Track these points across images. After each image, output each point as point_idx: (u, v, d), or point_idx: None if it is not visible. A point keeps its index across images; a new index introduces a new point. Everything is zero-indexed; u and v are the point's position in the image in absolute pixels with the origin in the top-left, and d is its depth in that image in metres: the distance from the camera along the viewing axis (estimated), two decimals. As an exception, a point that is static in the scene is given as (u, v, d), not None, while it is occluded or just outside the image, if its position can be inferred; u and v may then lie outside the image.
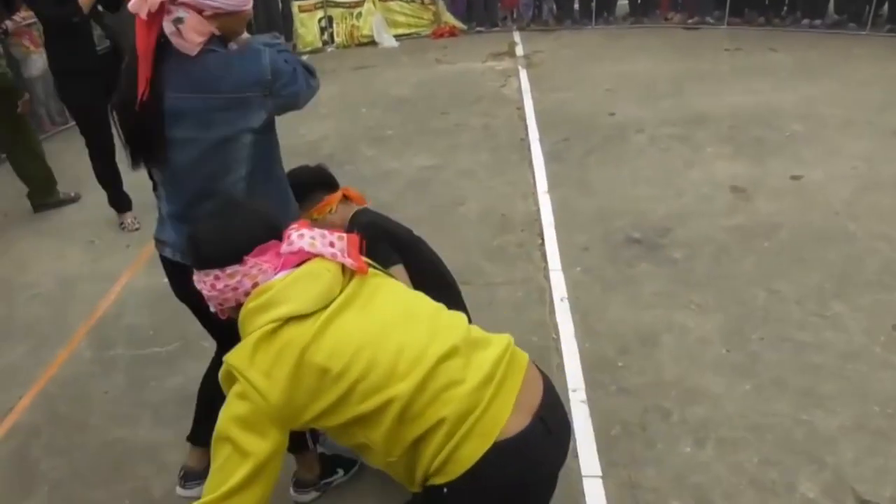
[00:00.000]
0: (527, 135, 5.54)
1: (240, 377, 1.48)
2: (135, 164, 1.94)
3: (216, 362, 2.21)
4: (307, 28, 8.50)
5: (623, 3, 8.91)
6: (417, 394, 1.48)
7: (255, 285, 1.55)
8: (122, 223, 4.60)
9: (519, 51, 7.89)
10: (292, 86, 1.90)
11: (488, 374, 1.54)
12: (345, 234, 1.63)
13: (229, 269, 1.55)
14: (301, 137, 5.77)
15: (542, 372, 1.70)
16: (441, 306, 1.70)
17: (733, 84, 6.32)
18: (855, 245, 3.78)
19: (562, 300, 3.49)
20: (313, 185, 2.35)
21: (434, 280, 2.31)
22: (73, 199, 5.11)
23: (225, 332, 1.79)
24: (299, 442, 2.28)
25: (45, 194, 5.02)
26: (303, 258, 1.58)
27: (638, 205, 4.37)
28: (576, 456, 2.50)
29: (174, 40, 1.77)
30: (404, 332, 1.54)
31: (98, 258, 4.27)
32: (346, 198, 2.41)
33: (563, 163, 5.03)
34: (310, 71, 2.01)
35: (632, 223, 4.16)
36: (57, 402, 3.09)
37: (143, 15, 1.75)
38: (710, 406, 2.74)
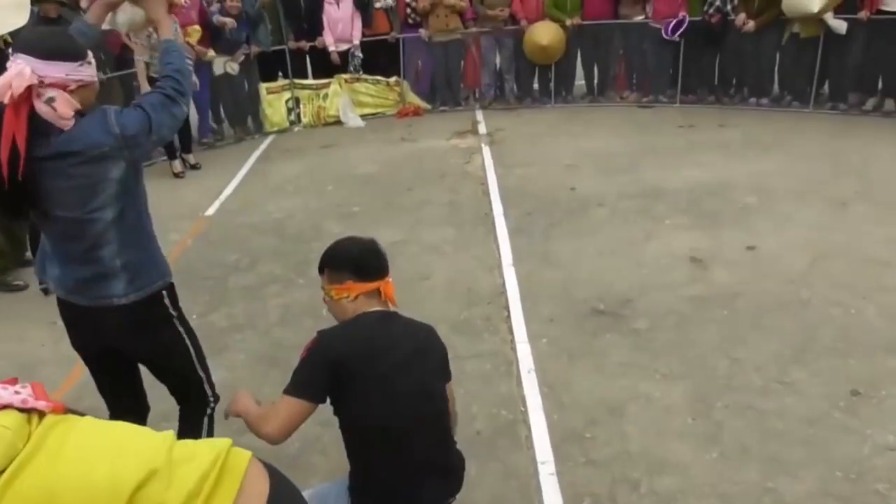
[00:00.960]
0: (491, 210, 5.66)
1: None
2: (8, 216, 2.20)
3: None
4: (274, 109, 8.67)
5: (580, 84, 9.28)
6: None
7: None
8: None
9: (482, 129, 8.13)
10: (146, 135, 2.13)
11: (192, 491, 1.43)
12: (28, 384, 1.50)
13: None
14: (268, 215, 5.81)
15: (269, 468, 1.57)
16: (142, 430, 1.54)
17: (688, 158, 6.57)
18: (810, 312, 3.90)
19: (529, 372, 3.51)
20: (344, 262, 2.20)
21: (382, 427, 2.04)
22: (22, 288, 4.88)
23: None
24: None
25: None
26: None
27: (601, 276, 4.46)
28: (546, 530, 2.49)
29: (50, 117, 2.00)
30: (100, 466, 1.42)
31: (59, 339, 4.19)
32: (377, 292, 2.20)
33: (527, 236, 5.13)
34: (175, 95, 2.20)
35: (595, 294, 4.24)
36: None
37: (6, 100, 1.96)
38: (678, 476, 2.76)
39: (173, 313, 2.36)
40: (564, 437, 3.04)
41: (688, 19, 7.99)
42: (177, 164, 7.16)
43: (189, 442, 1.54)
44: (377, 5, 8.63)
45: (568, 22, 8.42)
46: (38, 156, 2.01)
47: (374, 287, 2.19)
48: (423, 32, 8.65)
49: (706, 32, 8.04)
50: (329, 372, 2.00)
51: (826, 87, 8.10)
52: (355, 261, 2.20)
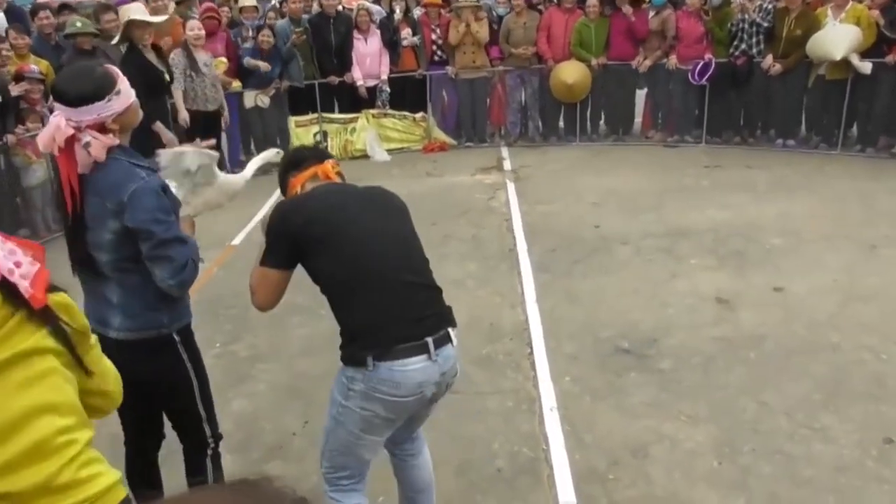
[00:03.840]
0: (514, 245, 5.66)
1: None
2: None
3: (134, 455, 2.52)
4: (302, 142, 8.78)
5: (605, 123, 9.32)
6: None
7: None
8: None
9: (506, 165, 8.16)
10: (142, 235, 2.16)
11: None
12: (38, 261, 1.43)
13: None
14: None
15: None
16: (63, 425, 1.43)
17: (713, 198, 6.54)
18: (840, 356, 3.82)
19: (551, 410, 3.47)
20: (284, 170, 2.47)
21: (345, 286, 2.18)
22: None
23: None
24: None
25: None
26: None
27: (625, 315, 4.42)
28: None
29: (82, 161, 2.12)
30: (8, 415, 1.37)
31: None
32: (315, 176, 2.39)
33: (550, 273, 5.11)
34: (175, 270, 2.20)
35: (619, 333, 4.19)
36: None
37: (56, 151, 2.12)
38: (703, 521, 2.69)
39: (183, 356, 2.36)
40: (587, 477, 2.99)
41: (714, 62, 8.02)
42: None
43: (98, 466, 1.47)
44: (404, 43, 8.78)
45: (593, 62, 8.49)
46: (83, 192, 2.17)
47: (312, 172, 2.39)
48: (449, 69, 8.77)
49: (732, 74, 8.05)
50: (291, 242, 2.18)
51: (854, 129, 8.05)
52: (289, 158, 2.52)
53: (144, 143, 4.95)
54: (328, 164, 2.42)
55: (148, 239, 2.14)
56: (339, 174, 2.45)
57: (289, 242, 2.19)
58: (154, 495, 2.23)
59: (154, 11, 6.66)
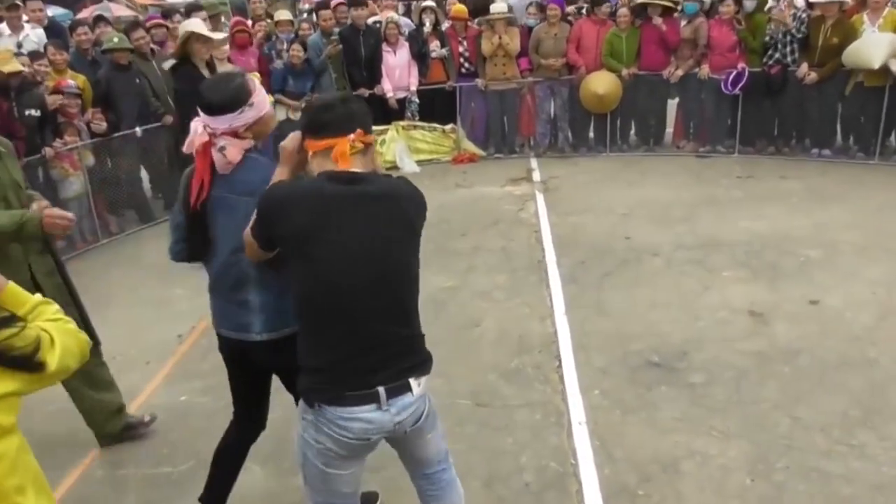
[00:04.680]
0: (544, 257, 5.63)
1: None
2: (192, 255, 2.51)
3: (237, 434, 2.78)
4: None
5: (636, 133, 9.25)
6: None
7: None
8: None
9: (536, 176, 8.14)
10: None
11: None
12: None
13: None
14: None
15: None
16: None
17: (746, 210, 6.44)
18: (878, 372, 3.73)
19: (580, 424, 3.44)
20: (303, 127, 2.17)
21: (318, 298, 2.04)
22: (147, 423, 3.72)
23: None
24: None
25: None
26: None
27: (655, 328, 4.37)
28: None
29: (218, 163, 2.35)
30: None
31: (117, 374, 4.29)
32: (328, 151, 2.07)
33: (579, 285, 5.08)
34: None
35: (650, 346, 4.14)
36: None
37: (193, 151, 2.36)
38: (736, 539, 2.64)
39: None
40: (616, 492, 2.95)
41: (747, 71, 7.92)
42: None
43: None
44: (433, 55, 8.82)
45: (624, 72, 8.44)
46: (216, 194, 2.37)
47: (326, 145, 2.07)
48: (479, 82, 8.78)
49: (766, 83, 7.94)
50: (268, 236, 2.09)
51: (893, 137, 7.88)
52: (309, 118, 2.16)
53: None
54: (347, 140, 2.05)
55: None
56: (363, 149, 2.09)
57: (267, 234, 2.08)
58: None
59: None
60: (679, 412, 3.50)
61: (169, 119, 6.98)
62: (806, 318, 4.38)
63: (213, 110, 2.30)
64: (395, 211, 2.06)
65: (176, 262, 2.58)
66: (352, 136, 2.05)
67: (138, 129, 6.97)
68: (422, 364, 2.11)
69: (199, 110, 2.35)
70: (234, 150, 2.33)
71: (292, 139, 2.24)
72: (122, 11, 14.36)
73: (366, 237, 2.00)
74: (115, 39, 6.88)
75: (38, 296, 1.72)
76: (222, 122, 2.31)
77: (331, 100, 2.16)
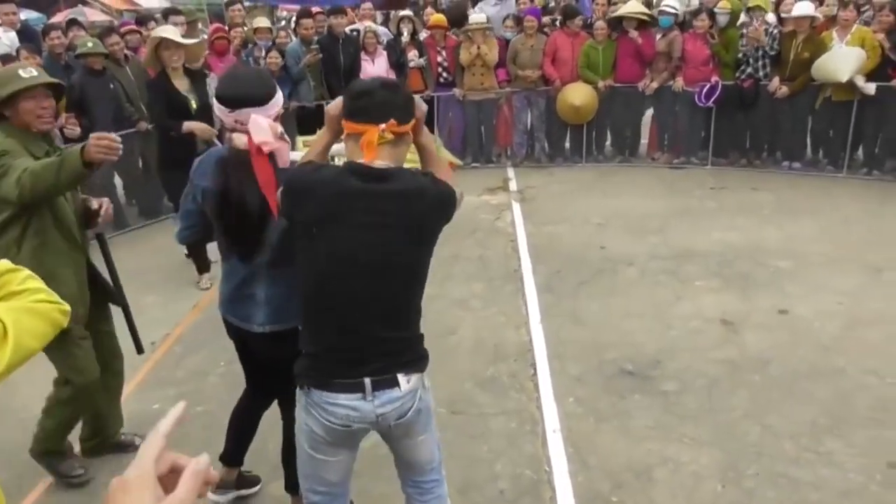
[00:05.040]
0: (520, 266, 5.66)
1: None
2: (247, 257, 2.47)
3: (249, 402, 2.96)
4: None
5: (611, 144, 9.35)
6: None
7: None
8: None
9: (512, 186, 8.19)
10: None
11: None
12: None
13: None
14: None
15: None
16: None
17: (719, 220, 6.54)
18: (845, 380, 3.81)
19: (554, 432, 3.46)
20: (345, 107, 2.08)
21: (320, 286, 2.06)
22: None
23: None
24: None
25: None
26: None
27: (630, 337, 4.42)
28: None
29: (285, 155, 2.39)
30: None
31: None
32: (357, 137, 2.03)
33: (555, 294, 5.12)
34: None
35: (624, 355, 4.19)
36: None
37: (257, 151, 2.33)
38: (706, 545, 2.67)
39: None
40: (590, 499, 2.98)
41: (721, 84, 8.05)
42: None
43: None
44: (411, 64, 8.85)
45: (600, 84, 8.54)
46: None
47: (358, 130, 2.02)
48: (456, 91, 8.83)
49: (739, 96, 8.08)
50: (288, 215, 2.10)
51: (860, 151, 8.06)
52: (352, 101, 2.06)
53: (189, 144, 5.00)
54: (377, 130, 1.98)
55: None
56: (393, 139, 2.03)
57: (287, 212, 2.09)
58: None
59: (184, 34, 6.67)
60: (652, 420, 3.54)
61: (143, 125, 6.93)
62: (776, 327, 4.46)
63: (262, 100, 2.37)
64: (410, 211, 2.02)
65: (182, 244, 2.67)
66: (383, 125, 1.99)
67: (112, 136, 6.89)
68: (413, 362, 2.11)
69: (233, 111, 2.35)
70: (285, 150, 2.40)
71: (336, 104, 2.13)
72: (97, 16, 14.24)
73: (369, 237, 1.98)
74: (90, 44, 6.81)
75: (5, 261, 1.50)
76: (271, 109, 2.39)
77: (370, 84, 2.08)
